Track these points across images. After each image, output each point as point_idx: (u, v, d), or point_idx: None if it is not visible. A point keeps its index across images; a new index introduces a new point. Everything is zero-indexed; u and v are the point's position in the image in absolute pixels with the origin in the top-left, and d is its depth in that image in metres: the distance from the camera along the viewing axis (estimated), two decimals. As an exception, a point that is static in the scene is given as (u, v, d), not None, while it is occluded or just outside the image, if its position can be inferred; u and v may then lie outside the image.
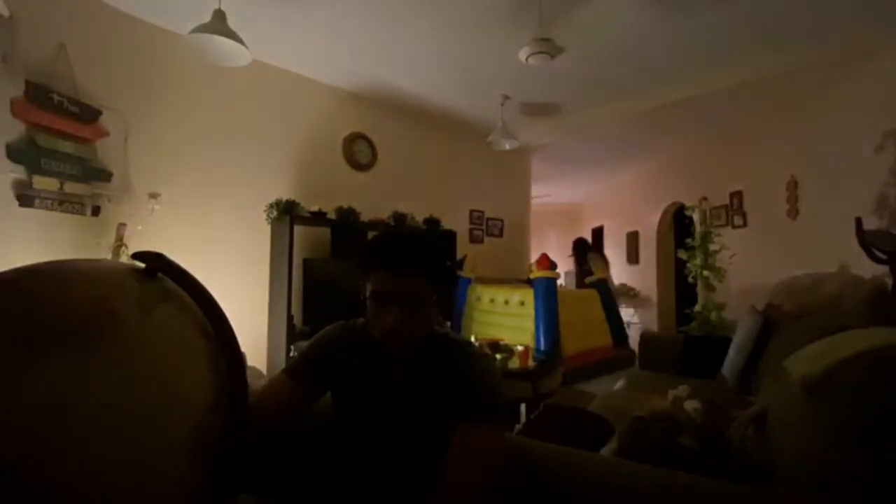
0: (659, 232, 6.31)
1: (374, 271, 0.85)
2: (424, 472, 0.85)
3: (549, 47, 2.63)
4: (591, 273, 5.29)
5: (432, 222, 4.44)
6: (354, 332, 0.98)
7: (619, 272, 7.25)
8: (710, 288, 3.93)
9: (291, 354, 3.19)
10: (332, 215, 3.66)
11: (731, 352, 2.25)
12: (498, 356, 2.84)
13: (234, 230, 3.32)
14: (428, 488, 0.81)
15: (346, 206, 3.73)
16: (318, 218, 3.56)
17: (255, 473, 0.99)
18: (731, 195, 4.68)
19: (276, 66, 3.56)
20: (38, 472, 0.49)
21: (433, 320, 0.92)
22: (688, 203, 4.99)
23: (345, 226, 3.70)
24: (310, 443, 1.04)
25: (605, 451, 1.11)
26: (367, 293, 0.86)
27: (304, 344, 1.06)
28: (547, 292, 4.06)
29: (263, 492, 1.00)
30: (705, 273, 3.84)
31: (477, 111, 4.50)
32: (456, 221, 4.88)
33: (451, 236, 4.60)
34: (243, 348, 0.77)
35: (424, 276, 0.85)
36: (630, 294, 6.91)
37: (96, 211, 2.64)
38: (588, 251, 5.81)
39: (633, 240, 7.05)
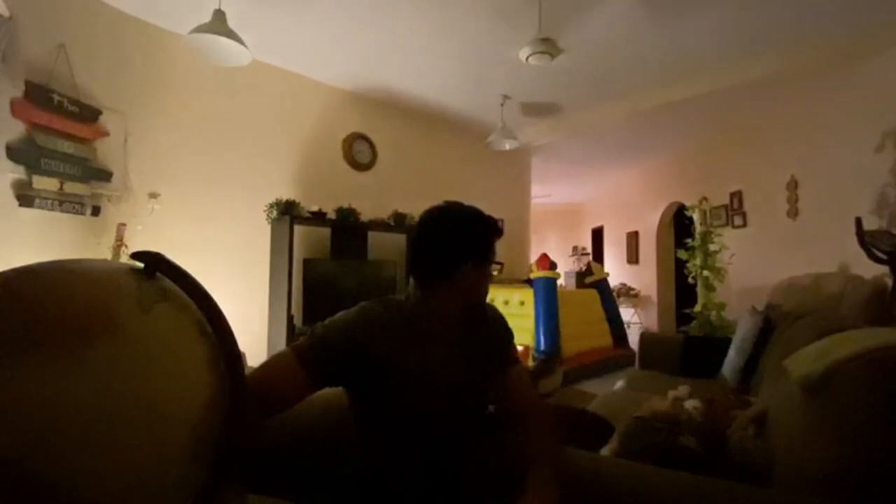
0: (659, 232, 6.31)
1: (493, 243, 0.95)
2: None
3: (549, 47, 2.64)
4: None
5: (432, 222, 4.43)
6: (402, 311, 0.88)
7: (619, 272, 7.26)
8: (710, 288, 3.93)
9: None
10: (332, 215, 3.66)
11: (731, 352, 2.25)
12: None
13: (234, 230, 3.32)
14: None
15: (346, 206, 3.73)
16: (318, 218, 3.56)
17: (264, 474, 0.98)
18: (731, 195, 4.68)
19: (276, 66, 3.56)
20: (37, 473, 0.49)
21: None
22: (688, 203, 4.99)
23: (345, 226, 3.70)
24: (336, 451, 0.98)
25: (605, 451, 1.11)
26: (486, 263, 0.93)
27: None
28: (547, 292, 4.06)
29: (273, 493, 0.99)
30: (705, 273, 3.85)
31: (477, 111, 4.50)
32: (456, 221, 4.88)
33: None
34: (243, 348, 0.77)
35: None
36: (630, 294, 6.91)
37: (96, 211, 2.64)
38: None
39: (633, 240, 7.05)
